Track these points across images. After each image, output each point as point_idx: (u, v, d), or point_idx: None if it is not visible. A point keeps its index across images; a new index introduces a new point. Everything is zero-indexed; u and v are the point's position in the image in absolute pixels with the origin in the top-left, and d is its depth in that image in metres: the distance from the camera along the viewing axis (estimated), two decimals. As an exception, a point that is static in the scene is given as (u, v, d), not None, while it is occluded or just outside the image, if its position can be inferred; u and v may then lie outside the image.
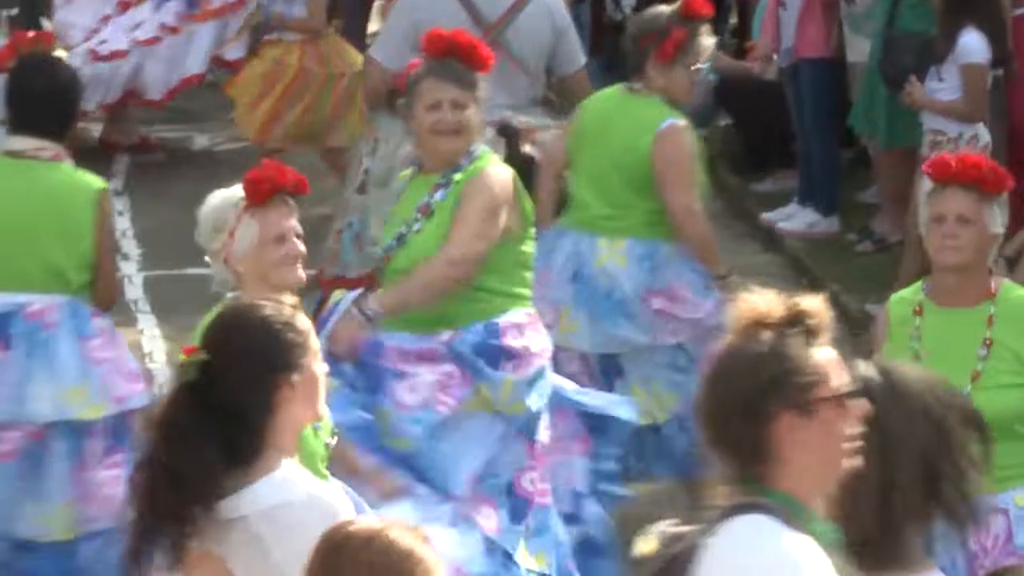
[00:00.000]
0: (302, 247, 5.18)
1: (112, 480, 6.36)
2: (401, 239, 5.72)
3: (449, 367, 6.07)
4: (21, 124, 6.54)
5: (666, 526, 3.34)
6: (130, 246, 10.03)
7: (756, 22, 10.27)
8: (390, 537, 3.10)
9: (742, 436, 3.12)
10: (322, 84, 9.99)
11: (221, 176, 9.16)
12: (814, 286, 8.32)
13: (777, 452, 3.11)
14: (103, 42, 10.99)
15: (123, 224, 10.13)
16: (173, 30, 11.00)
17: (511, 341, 5.94)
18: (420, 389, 6.04)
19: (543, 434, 5.83)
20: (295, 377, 3.91)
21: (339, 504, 4.02)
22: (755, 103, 10.19)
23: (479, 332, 5.97)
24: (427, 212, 5.70)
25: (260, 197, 5.07)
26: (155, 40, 11.01)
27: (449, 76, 5.72)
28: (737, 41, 11.19)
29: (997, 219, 5.30)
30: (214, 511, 3.93)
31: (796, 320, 3.16)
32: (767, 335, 3.17)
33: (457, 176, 5.72)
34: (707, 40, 6.65)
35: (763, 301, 3.24)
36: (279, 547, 3.93)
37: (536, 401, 6.02)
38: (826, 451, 3.20)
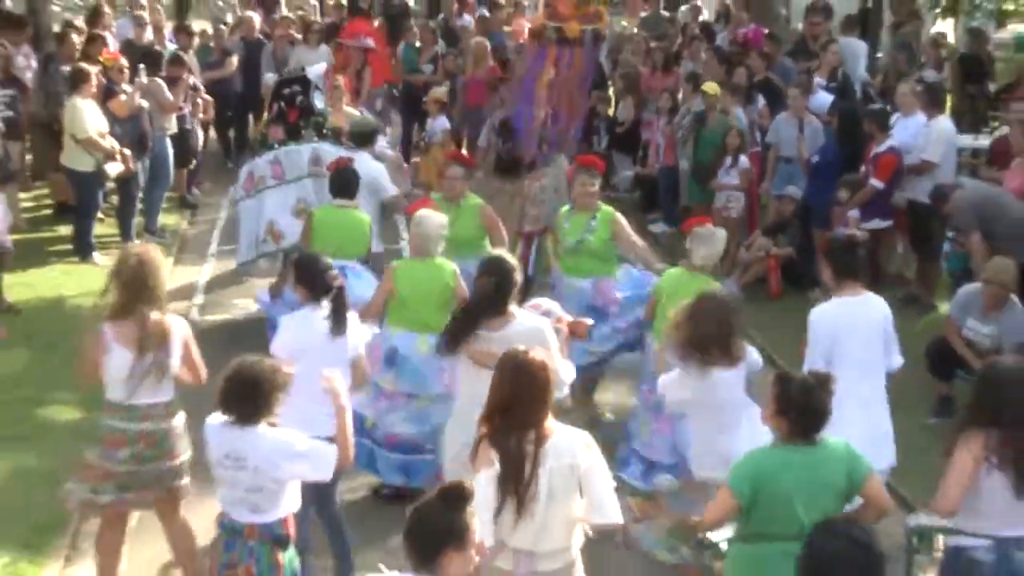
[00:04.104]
0: None
1: None
2: None
3: None
4: (340, 193, 9.36)
5: None
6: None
7: (652, 152, 15.17)
8: (545, 361, 4.58)
9: None
10: None
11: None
12: (670, 255, 11.75)
13: None
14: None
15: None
16: None
17: None
18: None
19: None
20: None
21: (546, 331, 5.84)
22: (649, 184, 15.18)
23: None
24: None
25: None
26: None
27: None
28: (642, 158, 15.58)
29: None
30: (489, 329, 6.24)
31: None
32: None
33: None
34: None
35: None
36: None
37: None
38: None
